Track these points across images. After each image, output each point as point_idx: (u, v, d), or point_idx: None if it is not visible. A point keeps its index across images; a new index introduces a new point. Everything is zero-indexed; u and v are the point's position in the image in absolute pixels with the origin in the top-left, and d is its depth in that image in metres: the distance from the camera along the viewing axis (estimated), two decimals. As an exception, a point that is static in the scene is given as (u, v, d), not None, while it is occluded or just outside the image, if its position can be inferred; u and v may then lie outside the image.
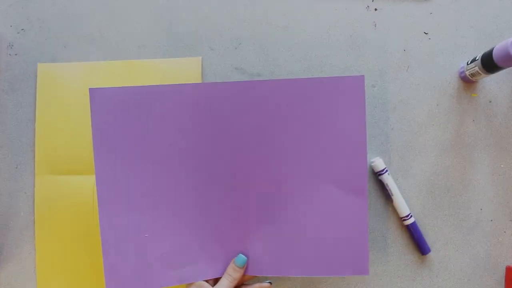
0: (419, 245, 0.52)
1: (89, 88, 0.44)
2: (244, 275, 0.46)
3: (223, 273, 0.46)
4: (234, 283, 0.45)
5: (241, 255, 0.46)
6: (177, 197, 0.46)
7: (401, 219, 0.53)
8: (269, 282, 0.47)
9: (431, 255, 0.53)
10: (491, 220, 0.53)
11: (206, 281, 0.46)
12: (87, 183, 0.54)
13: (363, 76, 0.44)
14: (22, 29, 0.56)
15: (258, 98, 0.45)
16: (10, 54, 0.56)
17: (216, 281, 0.46)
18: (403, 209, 0.52)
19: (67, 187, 0.54)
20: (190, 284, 0.46)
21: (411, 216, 0.52)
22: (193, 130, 0.45)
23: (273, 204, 0.46)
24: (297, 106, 0.45)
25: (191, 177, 0.46)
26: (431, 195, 0.54)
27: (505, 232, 0.53)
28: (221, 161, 0.45)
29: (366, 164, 0.45)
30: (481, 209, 0.53)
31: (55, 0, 0.56)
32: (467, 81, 0.54)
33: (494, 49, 0.46)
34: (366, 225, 0.45)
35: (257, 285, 0.47)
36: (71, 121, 0.55)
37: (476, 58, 0.50)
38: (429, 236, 0.53)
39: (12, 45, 0.56)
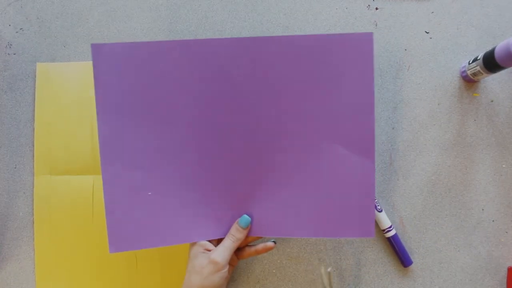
0: (401, 258, 0.52)
1: (92, 44, 0.43)
2: (248, 236, 0.46)
3: (226, 234, 0.45)
4: (237, 243, 0.45)
5: (245, 215, 0.45)
6: (181, 156, 0.45)
7: (383, 231, 0.52)
8: (273, 242, 0.47)
9: (433, 255, 0.53)
10: (493, 221, 0.53)
11: (209, 241, 0.46)
12: (86, 183, 0.54)
13: (371, 33, 0.43)
14: (21, 29, 0.56)
15: (265, 53, 0.43)
16: (8, 54, 0.56)
17: (219, 241, 0.46)
18: (384, 221, 0.52)
19: (66, 187, 0.54)
20: (194, 243, 0.45)
21: (392, 228, 0.52)
22: (198, 86, 0.44)
23: (279, 164, 0.45)
24: (303, 63, 0.43)
25: (196, 135, 0.45)
26: (432, 195, 0.53)
27: (507, 232, 0.53)
28: (227, 119, 0.45)
29: (373, 125, 0.43)
30: (482, 209, 0.53)
31: (54, -1, 0.56)
32: (469, 81, 0.54)
33: (496, 48, 0.46)
34: (373, 187, 0.44)
35: (261, 245, 0.46)
36: (70, 121, 0.54)
37: (478, 58, 0.50)
38: (430, 236, 0.53)
39: (11, 45, 0.56)
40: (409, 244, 0.53)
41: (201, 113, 0.45)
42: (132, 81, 0.44)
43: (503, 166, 0.53)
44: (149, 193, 0.45)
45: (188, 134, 0.45)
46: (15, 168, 0.55)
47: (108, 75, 0.43)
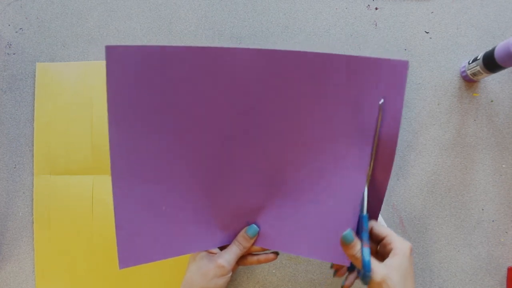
0: None
1: (106, 46, 0.40)
2: (252, 246, 0.46)
3: (232, 241, 0.46)
4: (243, 251, 0.45)
5: (253, 225, 0.45)
6: (191, 166, 0.44)
7: None
8: (276, 253, 0.47)
9: (432, 255, 0.53)
10: (493, 221, 0.53)
11: None
12: (86, 183, 0.54)
13: (407, 61, 0.39)
14: (20, 29, 0.56)
15: (289, 68, 0.41)
16: (8, 54, 0.56)
17: (222, 248, 0.46)
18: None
19: (66, 187, 0.54)
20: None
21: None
22: (214, 96, 0.42)
23: (292, 180, 0.44)
24: (328, 82, 0.41)
25: (207, 146, 0.44)
26: (432, 195, 0.53)
27: (507, 232, 0.53)
28: (241, 130, 0.43)
29: (394, 154, 0.42)
30: (482, 209, 0.53)
31: (54, -1, 0.56)
32: (469, 81, 0.54)
33: (496, 48, 0.46)
34: (378, 212, 0.44)
35: (263, 255, 0.47)
36: (70, 120, 0.54)
37: (478, 58, 0.50)
38: (430, 236, 0.53)
39: (11, 45, 0.56)
40: (409, 244, 0.53)
41: (214, 123, 0.43)
42: (146, 87, 0.41)
43: (503, 166, 0.53)
44: (163, 208, 0.44)
45: (199, 144, 0.44)
46: (14, 168, 0.55)
47: (122, 81, 0.41)
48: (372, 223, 0.42)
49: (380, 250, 0.42)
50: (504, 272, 0.53)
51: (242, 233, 0.45)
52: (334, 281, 0.53)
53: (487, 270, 0.53)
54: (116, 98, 0.41)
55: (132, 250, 0.43)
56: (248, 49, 0.41)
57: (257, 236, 0.45)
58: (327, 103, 0.42)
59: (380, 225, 0.42)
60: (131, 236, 0.43)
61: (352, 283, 0.45)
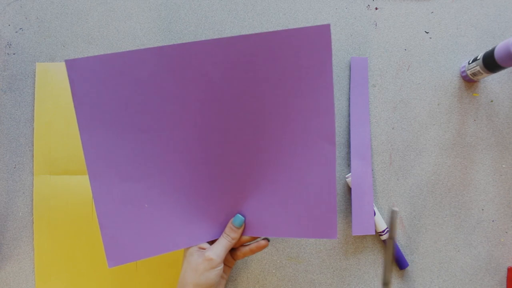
0: (396, 260, 0.52)
1: (65, 60, 0.43)
2: (242, 236, 0.46)
3: (220, 235, 0.46)
4: (232, 243, 0.45)
5: (238, 215, 0.46)
6: (169, 163, 0.45)
7: (378, 234, 0.52)
8: (267, 239, 0.47)
9: (432, 255, 0.53)
10: (493, 221, 0.53)
11: None
12: (86, 183, 0.54)
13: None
14: (20, 28, 0.56)
15: (234, 53, 0.43)
16: (8, 54, 0.56)
17: (214, 240, 0.46)
18: (379, 224, 0.52)
19: (65, 187, 0.54)
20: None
21: (387, 231, 0.52)
22: (178, 92, 0.44)
23: (264, 164, 0.45)
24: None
25: (181, 140, 0.45)
26: (432, 195, 0.53)
27: (507, 232, 0.53)
28: (210, 121, 0.45)
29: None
30: (482, 209, 0.53)
31: (54, -1, 0.56)
32: (469, 81, 0.54)
33: (496, 48, 0.46)
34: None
35: (254, 244, 0.47)
36: (69, 120, 0.54)
37: (478, 58, 0.50)
38: (430, 236, 0.53)
39: (10, 44, 0.56)
40: (409, 244, 0.53)
41: (183, 118, 0.45)
42: (111, 93, 0.44)
43: (503, 166, 0.53)
44: (146, 205, 0.45)
45: (173, 140, 0.45)
46: (14, 168, 0.55)
47: (86, 89, 0.43)
48: None
49: None
50: (504, 272, 0.53)
51: (228, 224, 0.46)
52: (334, 281, 0.53)
53: (487, 270, 0.53)
54: (83, 106, 0.43)
55: (119, 248, 0.44)
56: (202, 41, 0.43)
57: (244, 225, 0.46)
58: (283, 81, 0.43)
59: None
60: (116, 235, 0.44)
61: None
